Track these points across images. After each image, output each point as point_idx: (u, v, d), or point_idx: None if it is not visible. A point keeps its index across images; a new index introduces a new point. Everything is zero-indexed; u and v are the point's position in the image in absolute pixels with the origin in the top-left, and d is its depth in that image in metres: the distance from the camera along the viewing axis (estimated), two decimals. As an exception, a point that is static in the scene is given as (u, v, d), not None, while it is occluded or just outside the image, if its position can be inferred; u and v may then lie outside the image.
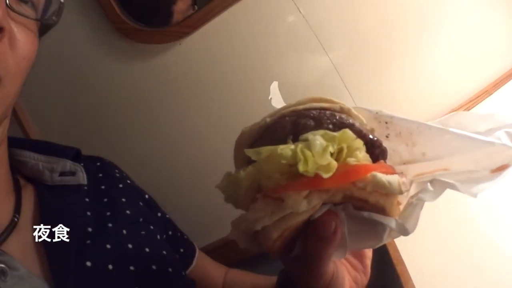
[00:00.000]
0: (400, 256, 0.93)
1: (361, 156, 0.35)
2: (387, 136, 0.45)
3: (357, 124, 0.38)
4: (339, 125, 0.37)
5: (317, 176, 0.32)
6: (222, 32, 0.98)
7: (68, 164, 0.58)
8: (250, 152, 0.36)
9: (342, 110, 0.39)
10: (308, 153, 0.32)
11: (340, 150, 0.34)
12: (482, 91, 1.05)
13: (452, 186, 0.41)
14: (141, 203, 0.67)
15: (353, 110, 0.41)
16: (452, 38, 1.05)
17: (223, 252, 0.95)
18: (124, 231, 0.56)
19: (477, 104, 1.04)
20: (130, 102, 1.02)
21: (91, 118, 1.03)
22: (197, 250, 0.75)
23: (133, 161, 0.92)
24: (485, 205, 1.01)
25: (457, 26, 1.05)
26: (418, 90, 1.06)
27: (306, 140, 0.34)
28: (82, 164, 0.60)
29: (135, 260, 0.53)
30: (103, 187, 0.62)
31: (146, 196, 0.70)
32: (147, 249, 0.56)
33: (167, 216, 0.73)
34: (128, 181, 0.69)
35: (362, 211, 0.37)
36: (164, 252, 0.60)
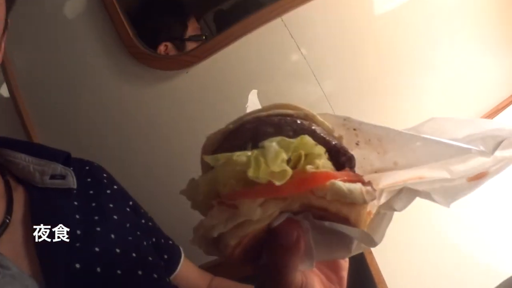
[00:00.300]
0: (379, 271, 0.92)
1: (321, 163, 0.34)
2: (357, 144, 0.44)
3: (318, 131, 0.37)
4: (300, 132, 0.36)
5: (272, 184, 0.31)
6: (227, 63, 1.05)
7: (59, 168, 0.59)
8: (208, 159, 0.35)
9: (306, 117, 0.39)
10: (261, 159, 0.31)
11: (298, 157, 0.33)
12: None
13: (424, 195, 0.40)
14: (128, 209, 0.67)
15: (318, 117, 0.40)
16: (444, 77, 1.10)
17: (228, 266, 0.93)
18: (112, 236, 0.57)
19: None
20: (134, 121, 1.07)
21: (95, 131, 1.07)
22: (182, 257, 0.75)
23: (135, 172, 0.98)
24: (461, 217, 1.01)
25: (450, 67, 1.10)
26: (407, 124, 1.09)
27: (264, 146, 0.33)
28: (71, 168, 0.61)
29: (122, 264, 0.54)
30: (91, 191, 0.63)
31: (130, 203, 0.70)
32: (134, 254, 0.57)
33: (150, 224, 0.73)
34: (115, 187, 0.69)
35: (323, 220, 0.36)
36: (150, 258, 0.60)
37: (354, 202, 0.36)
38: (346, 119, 0.42)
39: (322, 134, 0.37)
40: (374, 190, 0.39)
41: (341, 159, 0.39)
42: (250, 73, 1.08)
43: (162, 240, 0.73)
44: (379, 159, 0.44)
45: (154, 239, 0.70)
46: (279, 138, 0.33)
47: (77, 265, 0.49)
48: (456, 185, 0.44)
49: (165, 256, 0.71)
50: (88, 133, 1.09)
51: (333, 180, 0.34)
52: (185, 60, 1.04)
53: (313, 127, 0.36)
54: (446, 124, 0.46)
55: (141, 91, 1.06)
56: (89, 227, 0.56)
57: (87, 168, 0.68)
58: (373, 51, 1.10)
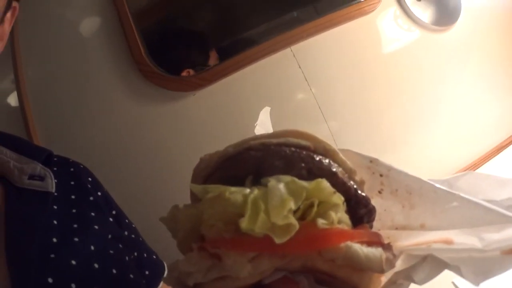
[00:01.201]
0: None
1: (337, 217, 0.26)
2: (379, 192, 0.36)
3: (340, 174, 0.29)
4: (316, 172, 0.28)
5: (270, 238, 0.24)
6: (234, 88, 1.05)
7: (38, 168, 0.55)
8: (195, 189, 0.28)
9: (326, 152, 0.31)
10: (260, 204, 0.23)
11: (309, 206, 0.26)
12: (471, 164, 1.10)
13: (453, 268, 0.32)
14: (110, 219, 0.62)
15: (340, 154, 0.32)
16: (451, 114, 1.11)
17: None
18: (92, 247, 0.53)
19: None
20: (137, 138, 1.06)
21: (98, 144, 1.07)
22: (166, 272, 0.69)
23: (133, 187, 0.98)
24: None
25: (456, 104, 1.12)
26: (412, 161, 1.08)
27: (266, 186, 0.26)
28: (55, 168, 0.57)
29: (100, 281, 0.49)
30: (73, 196, 0.59)
31: (114, 212, 0.65)
32: (114, 271, 0.53)
33: (133, 236, 0.67)
34: (99, 193, 0.64)
35: (326, 286, 0.29)
36: (131, 276, 0.56)
37: (369, 271, 0.28)
38: (373, 161, 0.34)
39: (343, 179, 0.29)
40: (395, 256, 0.31)
41: (360, 211, 0.31)
42: (255, 100, 1.07)
43: (145, 255, 0.66)
44: (403, 214, 0.37)
45: (136, 253, 0.64)
46: (288, 178, 0.26)
47: (50, 280, 0.44)
48: (487, 258, 0.36)
49: (147, 272, 0.64)
50: (91, 146, 1.07)
51: (349, 243, 0.26)
52: (194, 82, 1.05)
53: (333, 169, 0.29)
54: (484, 181, 0.39)
55: (148, 109, 1.06)
56: (67, 236, 0.51)
57: (71, 170, 0.63)
58: (380, 88, 1.09)
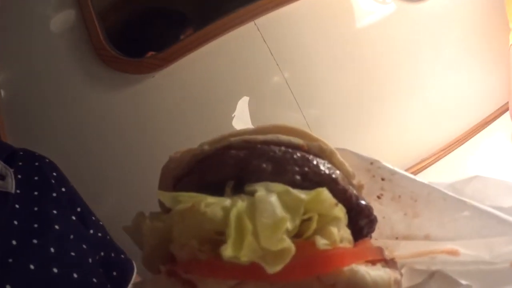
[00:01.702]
0: None
1: (339, 234, 0.21)
2: (378, 197, 0.32)
3: (340, 179, 0.24)
4: (313, 178, 0.23)
5: (257, 263, 0.19)
6: (196, 67, 0.98)
7: (0, 166, 0.54)
8: (164, 197, 0.22)
9: (322, 153, 0.26)
10: (247, 225, 0.18)
11: (306, 220, 0.21)
12: (454, 140, 1.06)
13: None
14: (73, 217, 0.60)
15: (338, 155, 0.27)
16: (431, 92, 1.07)
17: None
18: (52, 249, 0.50)
19: (448, 154, 1.05)
20: (97, 126, 1.01)
21: (59, 133, 1.01)
22: (135, 274, 0.65)
23: (95, 177, 0.94)
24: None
25: (436, 81, 1.07)
26: (390, 141, 1.06)
27: (253, 195, 0.20)
28: (20, 163, 0.56)
29: (60, 286, 0.47)
30: (36, 193, 0.56)
31: (79, 209, 0.62)
32: (75, 275, 0.50)
33: (100, 234, 0.64)
34: (63, 189, 0.61)
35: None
36: (95, 280, 0.53)
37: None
38: (374, 163, 0.30)
39: (344, 185, 0.24)
40: (401, 275, 0.27)
41: (361, 222, 0.26)
42: (219, 79, 1.00)
43: (113, 254, 0.64)
44: (405, 222, 0.32)
45: (103, 253, 0.61)
46: (281, 187, 0.20)
47: (8, 287, 0.43)
48: (496, 270, 0.33)
49: (114, 273, 0.61)
50: (53, 136, 1.01)
51: (355, 266, 0.21)
52: (152, 63, 0.98)
53: (333, 174, 0.24)
54: (492, 187, 0.36)
55: (108, 95, 1.01)
56: (26, 237, 0.49)
57: (36, 164, 0.60)
58: (355, 64, 1.03)
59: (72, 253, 0.52)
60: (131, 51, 0.99)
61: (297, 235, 0.20)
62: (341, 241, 0.22)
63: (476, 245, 0.32)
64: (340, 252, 0.21)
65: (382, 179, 0.30)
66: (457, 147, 1.05)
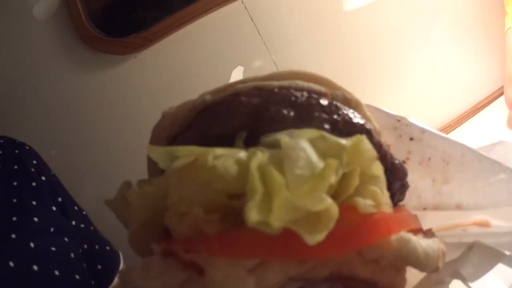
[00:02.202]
0: None
1: (382, 196, 0.17)
2: (404, 162, 0.28)
3: (375, 133, 0.20)
4: (343, 128, 0.18)
5: (285, 233, 0.14)
6: (178, 48, 0.94)
7: None
8: (156, 153, 0.17)
9: (347, 102, 0.21)
10: (277, 178, 0.13)
11: (347, 178, 0.16)
12: (446, 125, 1.05)
13: (510, 261, 0.25)
14: (54, 208, 0.57)
15: (364, 107, 0.22)
16: (420, 77, 1.04)
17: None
18: (32, 244, 0.48)
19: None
20: (80, 108, 0.97)
21: (40, 117, 0.97)
22: (121, 265, 0.63)
23: (82, 163, 0.91)
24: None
25: (425, 66, 1.04)
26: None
27: (275, 145, 0.15)
28: (0, 152, 0.55)
29: (40, 285, 0.45)
30: (15, 183, 0.54)
31: (60, 199, 0.59)
32: (56, 272, 0.47)
33: (83, 225, 0.61)
34: (43, 178, 0.59)
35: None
36: (77, 277, 0.51)
37: (421, 270, 0.19)
38: (401, 119, 0.25)
39: (379, 141, 0.19)
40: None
41: (394, 185, 0.22)
42: (203, 60, 0.96)
43: (97, 246, 0.61)
44: (433, 190, 0.28)
45: (86, 246, 0.59)
46: (313, 132, 0.15)
47: None
48: None
49: (99, 267, 0.59)
50: (33, 120, 0.97)
51: (404, 235, 0.16)
52: (134, 43, 0.94)
53: (367, 125, 0.19)
54: None
55: (91, 76, 0.98)
56: (5, 232, 0.48)
57: (16, 152, 0.58)
58: (342, 47, 0.99)
59: (53, 248, 0.50)
60: (117, 32, 0.95)
61: (335, 198, 0.16)
62: (385, 204, 0.17)
63: (508, 214, 0.29)
64: (387, 217, 0.16)
65: (411, 139, 0.25)
66: (449, 132, 1.03)
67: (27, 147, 0.62)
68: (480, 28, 1.06)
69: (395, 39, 1.01)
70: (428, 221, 0.30)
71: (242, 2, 0.92)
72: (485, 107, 1.04)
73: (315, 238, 0.13)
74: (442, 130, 1.03)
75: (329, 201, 0.13)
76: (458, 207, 0.27)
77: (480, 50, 1.07)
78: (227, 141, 0.18)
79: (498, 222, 0.29)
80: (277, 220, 0.12)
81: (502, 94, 1.00)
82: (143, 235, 0.19)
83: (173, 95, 0.93)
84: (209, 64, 0.94)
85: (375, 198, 0.16)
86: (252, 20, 0.93)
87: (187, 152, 0.16)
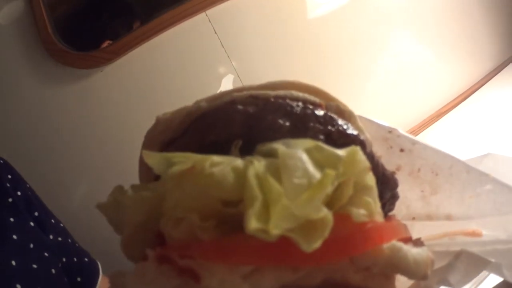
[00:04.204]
0: None
1: (375, 207, 0.17)
2: (394, 172, 0.28)
3: (367, 143, 0.20)
4: (337, 139, 0.19)
5: (286, 242, 0.14)
6: (145, 60, 0.95)
7: None
8: (152, 159, 0.17)
9: (341, 113, 0.22)
10: (275, 186, 0.13)
11: (341, 187, 0.16)
12: (408, 131, 1.05)
13: (494, 268, 0.25)
14: (31, 223, 0.56)
15: (357, 119, 0.23)
16: (385, 80, 1.06)
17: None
18: (13, 263, 0.47)
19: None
20: (45, 122, 0.96)
21: (5, 130, 0.96)
22: (100, 276, 0.62)
23: (51, 175, 0.91)
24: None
25: (392, 68, 1.06)
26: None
27: (271, 154, 0.16)
28: None
29: None
30: None
31: (36, 213, 0.58)
32: None
33: (60, 238, 0.60)
34: (19, 192, 0.58)
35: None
36: None
37: (410, 278, 0.20)
38: (392, 131, 0.26)
39: (372, 152, 0.20)
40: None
41: (385, 195, 0.22)
42: (170, 73, 0.97)
43: (75, 259, 0.60)
44: (423, 200, 0.29)
45: (65, 259, 0.58)
46: (310, 143, 0.16)
47: None
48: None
49: (78, 279, 0.59)
50: (3, 135, 0.96)
51: (396, 243, 0.17)
52: (100, 57, 0.94)
53: (361, 136, 0.19)
54: (503, 164, 0.33)
55: (56, 91, 0.97)
56: None
57: None
58: (308, 54, 1.01)
59: (34, 266, 0.49)
60: (81, 44, 0.94)
61: (329, 207, 0.16)
62: (377, 214, 0.18)
63: (495, 224, 0.30)
64: (379, 226, 0.17)
65: (401, 150, 0.26)
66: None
67: (1, 161, 0.60)
68: (447, 30, 1.07)
69: (358, 45, 1.03)
70: (416, 230, 0.30)
71: (206, 15, 0.94)
72: (449, 112, 1.04)
73: (311, 246, 0.13)
74: (413, 131, 1.05)
75: (323, 210, 0.14)
76: (448, 217, 0.28)
77: (444, 52, 1.08)
78: (223, 149, 0.18)
79: (484, 231, 0.29)
80: (276, 228, 0.13)
81: (466, 98, 1.02)
82: (137, 240, 0.19)
83: (139, 107, 0.94)
84: (174, 76, 0.95)
85: (368, 208, 0.16)
86: (215, 32, 0.95)
87: (183, 159, 0.16)
